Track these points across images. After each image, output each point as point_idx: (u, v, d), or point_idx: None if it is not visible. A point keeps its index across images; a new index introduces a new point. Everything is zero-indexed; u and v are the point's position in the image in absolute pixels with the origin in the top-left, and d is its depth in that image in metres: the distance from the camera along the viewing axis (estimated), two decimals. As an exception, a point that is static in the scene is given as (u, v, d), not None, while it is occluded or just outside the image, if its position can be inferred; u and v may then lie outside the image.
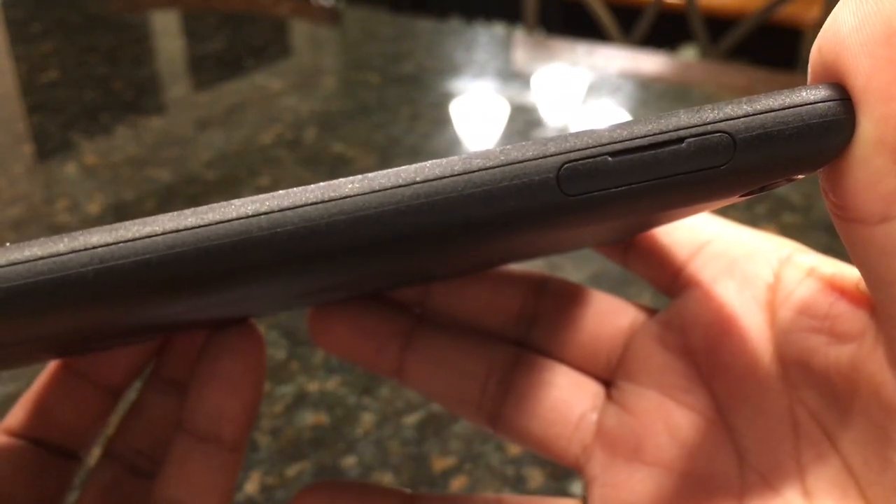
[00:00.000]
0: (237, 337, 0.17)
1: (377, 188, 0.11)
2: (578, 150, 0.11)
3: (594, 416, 0.18)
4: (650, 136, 0.12)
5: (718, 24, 1.09)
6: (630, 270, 0.19)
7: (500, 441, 0.32)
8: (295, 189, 0.11)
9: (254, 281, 0.11)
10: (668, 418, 0.17)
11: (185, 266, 0.11)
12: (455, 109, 0.64)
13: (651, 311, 0.19)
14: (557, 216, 0.11)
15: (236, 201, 0.11)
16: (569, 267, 0.41)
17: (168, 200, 0.49)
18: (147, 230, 0.11)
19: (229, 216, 0.11)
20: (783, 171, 0.12)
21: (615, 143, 0.11)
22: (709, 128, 0.12)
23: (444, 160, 0.11)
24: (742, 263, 0.17)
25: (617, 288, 0.41)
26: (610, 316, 0.19)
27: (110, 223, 0.11)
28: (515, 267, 0.20)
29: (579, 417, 0.18)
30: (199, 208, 0.11)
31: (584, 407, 0.18)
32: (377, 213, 0.11)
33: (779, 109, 0.11)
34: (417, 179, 0.11)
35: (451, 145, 0.57)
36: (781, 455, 0.15)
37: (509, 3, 2.01)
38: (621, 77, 0.71)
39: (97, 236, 0.11)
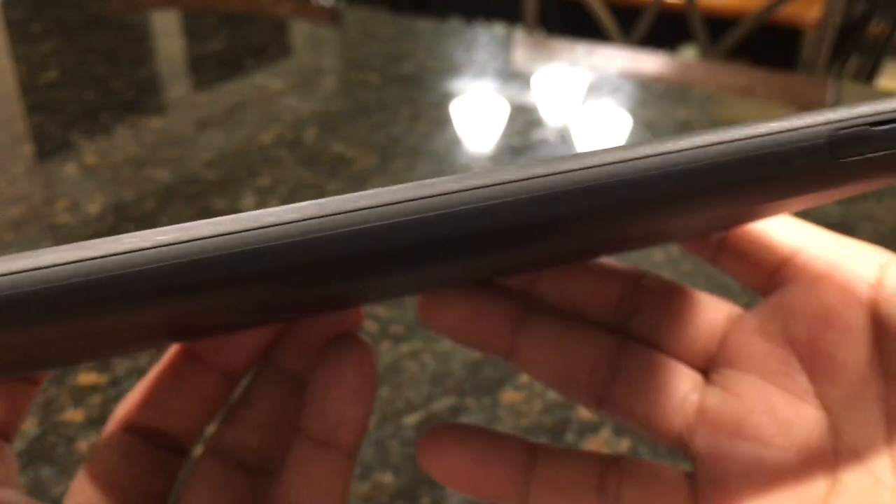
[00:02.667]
0: (354, 347, 0.18)
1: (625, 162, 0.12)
2: (845, 119, 0.13)
3: (696, 397, 0.19)
4: None
5: (718, 24, 1.09)
6: (719, 268, 0.20)
7: (500, 441, 0.32)
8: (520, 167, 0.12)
9: (430, 264, 0.12)
10: (769, 400, 0.18)
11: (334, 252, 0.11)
12: (455, 109, 0.64)
13: (743, 309, 0.20)
14: (825, 179, 0.13)
15: (394, 187, 0.12)
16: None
17: (168, 200, 0.49)
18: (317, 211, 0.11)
19: (385, 201, 0.11)
20: None
21: (878, 114, 0.13)
22: None
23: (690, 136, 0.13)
24: (844, 263, 0.18)
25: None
26: (707, 309, 0.20)
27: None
28: (611, 261, 0.21)
29: (682, 398, 0.19)
30: (365, 192, 0.12)
31: (686, 388, 0.19)
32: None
33: None
34: (704, 145, 0.13)
35: (451, 145, 0.57)
36: (875, 436, 0.16)
37: (509, 3, 2.01)
38: (621, 77, 0.71)
39: (271, 217, 0.11)
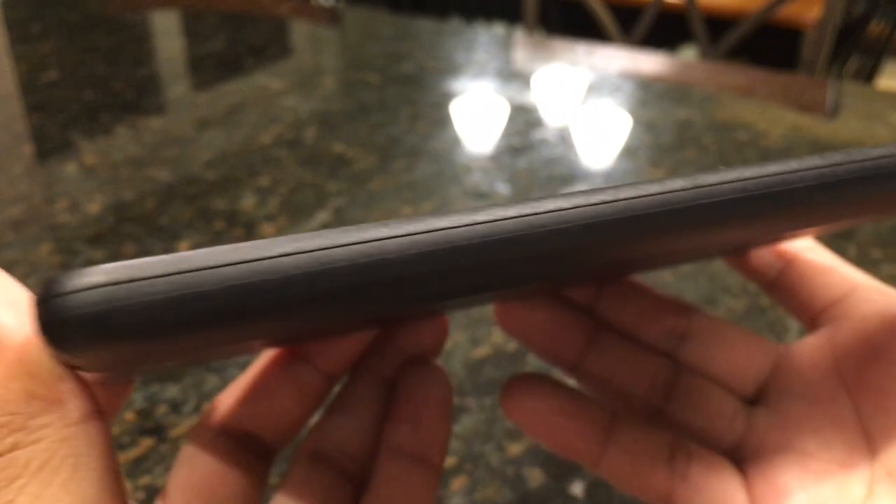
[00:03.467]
0: (435, 372, 0.19)
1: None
2: None
3: (746, 414, 0.21)
4: None
5: (718, 24, 1.09)
6: (771, 297, 0.22)
7: (500, 441, 0.32)
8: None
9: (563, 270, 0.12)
10: (814, 421, 0.20)
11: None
12: (455, 109, 0.64)
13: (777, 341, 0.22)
14: None
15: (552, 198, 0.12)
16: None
17: (168, 200, 0.49)
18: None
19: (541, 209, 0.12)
20: None
21: None
22: None
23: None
24: (892, 307, 0.20)
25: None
26: (757, 342, 0.22)
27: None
28: (663, 292, 0.23)
29: (733, 414, 0.21)
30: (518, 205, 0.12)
31: (735, 406, 0.21)
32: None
33: None
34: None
35: (451, 145, 0.57)
36: None
37: (509, 3, 2.01)
38: (621, 77, 0.71)
39: (486, 213, 0.12)
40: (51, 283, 0.10)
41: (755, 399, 0.21)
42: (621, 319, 0.22)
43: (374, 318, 0.13)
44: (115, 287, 0.10)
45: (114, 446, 0.13)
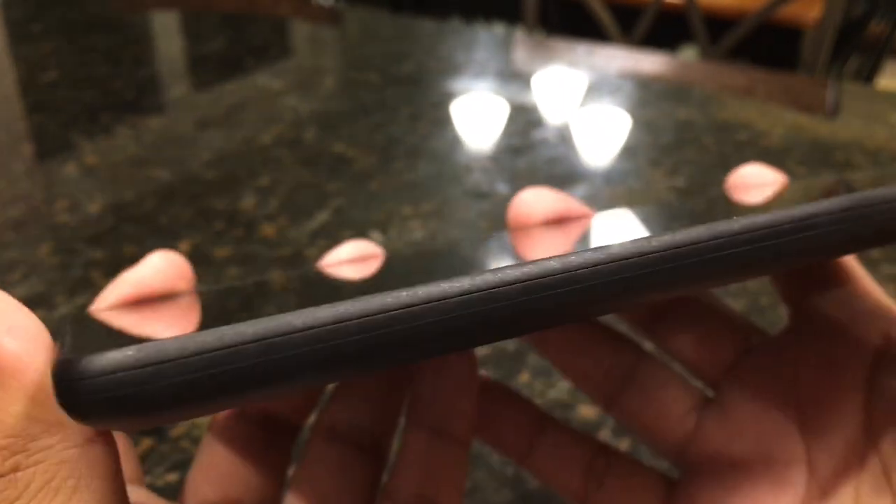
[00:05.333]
0: None
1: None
2: None
3: (696, 414, 0.21)
4: None
5: (718, 24, 1.09)
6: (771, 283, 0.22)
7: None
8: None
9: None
10: (759, 428, 0.20)
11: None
12: (455, 109, 0.64)
13: (764, 332, 0.22)
14: None
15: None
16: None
17: (168, 200, 0.49)
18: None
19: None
20: None
21: None
22: None
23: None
24: (859, 321, 0.19)
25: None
26: (731, 326, 0.21)
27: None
28: None
29: (684, 413, 0.21)
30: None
31: (688, 405, 0.21)
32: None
33: None
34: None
35: (452, 145, 0.57)
36: (844, 480, 0.18)
37: (509, 3, 2.01)
38: (621, 77, 0.71)
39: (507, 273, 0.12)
40: (66, 367, 0.11)
41: (714, 385, 0.21)
42: None
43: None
44: (129, 373, 0.11)
45: (120, 468, 0.13)
